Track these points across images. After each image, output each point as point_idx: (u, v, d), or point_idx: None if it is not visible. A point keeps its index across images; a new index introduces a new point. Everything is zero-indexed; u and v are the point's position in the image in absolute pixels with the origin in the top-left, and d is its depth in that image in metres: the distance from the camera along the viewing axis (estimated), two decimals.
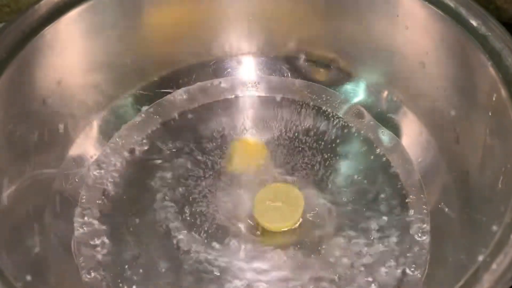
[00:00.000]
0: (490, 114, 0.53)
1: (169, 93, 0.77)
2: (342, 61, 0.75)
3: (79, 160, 0.68)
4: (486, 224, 0.47)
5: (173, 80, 0.77)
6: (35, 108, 0.61)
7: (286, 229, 0.62)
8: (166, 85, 0.77)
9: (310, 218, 0.63)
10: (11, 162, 0.57)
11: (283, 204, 0.63)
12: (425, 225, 0.62)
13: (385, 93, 0.72)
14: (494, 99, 0.52)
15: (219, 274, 0.59)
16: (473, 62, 0.56)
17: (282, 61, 0.79)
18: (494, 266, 0.38)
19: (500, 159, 0.50)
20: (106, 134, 0.71)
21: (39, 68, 0.61)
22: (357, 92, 0.75)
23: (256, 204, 0.63)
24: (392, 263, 0.59)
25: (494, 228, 0.43)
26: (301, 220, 0.63)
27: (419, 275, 0.58)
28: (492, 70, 0.53)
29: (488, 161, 0.54)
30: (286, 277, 0.59)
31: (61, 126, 0.66)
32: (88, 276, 0.59)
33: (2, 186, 0.55)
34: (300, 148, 0.71)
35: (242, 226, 0.63)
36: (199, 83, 0.78)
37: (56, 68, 0.63)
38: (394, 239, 0.61)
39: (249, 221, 0.63)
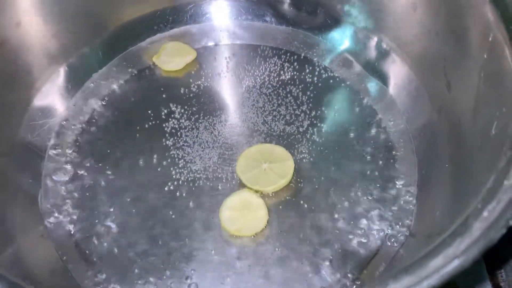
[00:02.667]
0: (485, 56, 0.49)
1: (143, 40, 0.72)
2: (329, 5, 0.70)
3: (46, 110, 0.63)
4: (478, 172, 0.44)
5: (148, 26, 0.72)
6: None
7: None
8: (139, 31, 0.72)
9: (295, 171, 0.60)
10: None
11: (271, 164, 0.59)
12: (412, 177, 0.59)
13: (374, 40, 0.68)
14: (490, 39, 0.48)
15: (190, 232, 0.56)
16: (468, 1, 0.52)
17: (265, 6, 0.73)
18: (485, 213, 0.35)
19: (494, 104, 0.46)
20: (75, 82, 0.66)
21: None
22: (344, 39, 0.71)
23: (243, 168, 0.59)
24: (377, 214, 0.56)
25: (486, 174, 0.40)
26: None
27: (405, 227, 0.55)
28: (489, 8, 0.49)
29: (481, 108, 0.50)
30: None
31: (23, 73, 0.61)
32: (54, 230, 0.56)
33: None
34: (283, 99, 0.67)
35: (224, 181, 0.60)
36: (175, 29, 0.73)
37: (14, 7, 0.57)
38: (380, 192, 0.58)
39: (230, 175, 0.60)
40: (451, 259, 0.32)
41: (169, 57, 0.69)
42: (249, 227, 0.55)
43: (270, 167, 0.59)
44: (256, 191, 0.58)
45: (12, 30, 0.57)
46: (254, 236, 0.55)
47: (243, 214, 0.56)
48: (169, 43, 0.71)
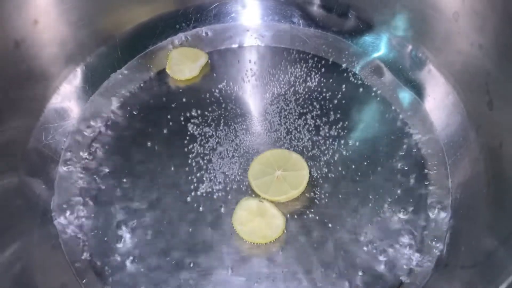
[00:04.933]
0: None
1: (164, 39, 0.69)
2: (362, 8, 0.66)
3: (62, 112, 0.61)
4: None
5: (169, 24, 0.69)
6: (6, 52, 0.53)
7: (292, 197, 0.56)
8: (161, 30, 0.68)
9: (315, 186, 0.57)
10: None
11: (285, 172, 0.56)
12: (445, 200, 0.55)
13: (409, 48, 0.64)
14: None
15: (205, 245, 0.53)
16: None
17: (293, 7, 0.69)
18: None
19: None
20: (92, 83, 0.64)
21: (8, 4, 0.52)
22: (377, 45, 0.67)
23: (255, 173, 0.56)
24: (406, 238, 0.53)
25: None
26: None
27: (436, 255, 0.52)
28: None
29: None
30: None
31: (40, 73, 0.58)
32: (67, 241, 0.53)
33: None
34: (309, 107, 0.63)
35: (244, 195, 0.57)
36: (198, 29, 0.70)
37: (31, 5, 0.54)
38: (409, 214, 0.55)
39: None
40: None
41: (180, 65, 0.66)
42: (260, 233, 0.53)
43: (283, 176, 0.56)
44: (266, 200, 0.55)
45: (29, 29, 0.55)
46: (270, 257, 0.53)
47: (256, 220, 0.53)
48: (174, 51, 0.67)
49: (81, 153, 0.59)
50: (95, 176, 0.58)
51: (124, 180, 0.57)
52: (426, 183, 0.57)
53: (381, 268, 0.52)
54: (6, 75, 0.53)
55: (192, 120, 0.62)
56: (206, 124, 0.62)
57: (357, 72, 0.66)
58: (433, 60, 0.61)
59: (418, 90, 0.63)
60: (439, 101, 0.61)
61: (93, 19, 0.62)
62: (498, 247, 0.45)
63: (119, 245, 0.53)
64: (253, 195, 0.56)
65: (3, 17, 0.52)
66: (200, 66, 0.66)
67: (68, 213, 0.55)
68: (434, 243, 0.53)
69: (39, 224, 0.54)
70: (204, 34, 0.70)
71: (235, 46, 0.69)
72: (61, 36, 0.59)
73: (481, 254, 0.47)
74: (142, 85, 0.65)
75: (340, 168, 0.58)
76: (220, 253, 0.53)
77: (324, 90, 0.65)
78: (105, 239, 0.54)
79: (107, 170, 0.58)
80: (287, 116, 0.63)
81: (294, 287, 0.51)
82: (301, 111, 0.63)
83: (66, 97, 0.61)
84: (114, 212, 0.55)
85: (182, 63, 0.66)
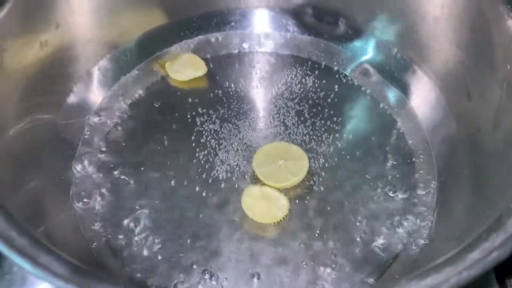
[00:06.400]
0: (508, 67, 0.51)
1: (169, 46, 0.74)
2: (351, 16, 0.73)
3: (78, 109, 0.65)
4: (500, 176, 0.46)
5: (174, 32, 0.74)
6: (32, 53, 0.58)
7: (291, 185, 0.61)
8: (166, 37, 0.74)
9: (314, 175, 0.62)
10: (13, 104, 0.55)
11: (286, 161, 0.61)
12: (432, 183, 0.61)
13: (395, 51, 0.70)
14: None
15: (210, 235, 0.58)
16: (491, 15, 0.54)
17: (288, 16, 0.76)
18: None
19: None
20: (105, 84, 0.69)
21: (36, 9, 0.57)
22: (365, 49, 0.73)
23: (259, 162, 0.61)
24: (397, 218, 0.58)
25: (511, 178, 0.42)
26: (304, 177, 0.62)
27: (425, 232, 0.57)
28: None
29: (503, 116, 0.52)
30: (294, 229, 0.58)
31: (59, 74, 0.63)
32: (86, 225, 0.57)
33: (5, 128, 0.53)
34: (305, 105, 0.69)
35: (249, 183, 0.62)
36: (200, 36, 0.76)
37: (55, 10, 0.60)
38: (399, 197, 0.60)
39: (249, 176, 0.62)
40: (489, 252, 0.34)
41: (182, 67, 0.71)
42: (269, 215, 0.58)
43: (285, 165, 0.61)
44: (269, 186, 0.60)
45: (52, 32, 0.60)
46: (275, 237, 0.57)
47: (263, 203, 0.58)
48: (186, 54, 0.73)
49: (95, 148, 0.64)
50: (108, 169, 0.62)
51: (137, 173, 0.62)
52: (414, 170, 0.63)
53: (377, 244, 0.57)
54: (32, 73, 0.58)
55: (198, 118, 0.67)
56: (211, 122, 0.67)
57: (347, 74, 0.72)
58: (417, 61, 0.68)
59: (403, 88, 0.69)
60: (422, 97, 0.67)
61: (106, 26, 0.68)
62: (477, 221, 0.50)
63: (134, 229, 0.57)
64: (258, 183, 0.61)
65: (32, 22, 0.57)
66: (193, 75, 0.71)
67: (85, 201, 0.59)
68: (422, 221, 0.58)
69: (60, 211, 0.57)
70: (206, 41, 0.76)
71: (235, 52, 0.75)
72: (79, 39, 0.64)
73: (463, 227, 0.52)
74: (150, 86, 0.71)
75: (336, 159, 0.64)
76: (229, 234, 0.57)
77: (318, 90, 0.71)
78: (121, 224, 0.57)
79: (120, 163, 0.63)
80: (286, 114, 0.68)
81: (298, 260, 0.55)
82: (298, 109, 0.69)
83: (82, 95, 0.66)
84: (128, 200, 0.59)
85: (183, 67, 0.71)
